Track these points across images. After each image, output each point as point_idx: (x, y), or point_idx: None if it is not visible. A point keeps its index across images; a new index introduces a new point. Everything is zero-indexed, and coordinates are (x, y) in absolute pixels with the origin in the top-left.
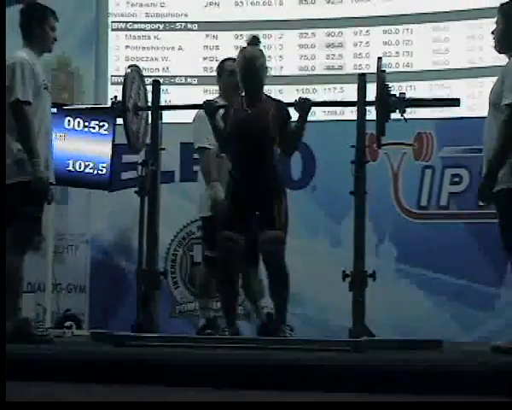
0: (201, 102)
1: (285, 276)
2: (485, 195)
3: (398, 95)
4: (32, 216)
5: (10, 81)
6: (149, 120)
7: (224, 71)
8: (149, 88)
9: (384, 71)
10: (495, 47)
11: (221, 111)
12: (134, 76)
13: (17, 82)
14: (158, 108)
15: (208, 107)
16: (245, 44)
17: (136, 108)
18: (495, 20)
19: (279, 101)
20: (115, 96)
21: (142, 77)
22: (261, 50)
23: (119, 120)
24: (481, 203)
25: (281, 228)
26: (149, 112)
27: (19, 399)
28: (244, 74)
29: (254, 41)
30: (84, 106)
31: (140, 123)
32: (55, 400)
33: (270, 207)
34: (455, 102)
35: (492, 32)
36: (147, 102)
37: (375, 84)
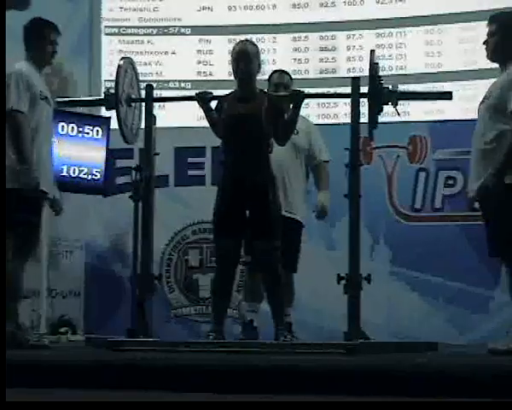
0: (194, 102)
1: (279, 281)
2: (487, 195)
3: (390, 87)
4: (27, 222)
5: (6, 91)
6: (143, 112)
7: (271, 85)
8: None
9: (377, 63)
10: (488, 56)
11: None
12: (127, 68)
13: (12, 92)
14: (151, 113)
15: (200, 96)
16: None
17: (130, 99)
18: (487, 31)
19: (273, 94)
20: (108, 88)
21: (134, 68)
22: (255, 45)
23: (113, 125)
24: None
25: (274, 231)
26: (143, 105)
27: (19, 399)
28: (236, 67)
29: (247, 40)
30: (76, 98)
31: (133, 114)
32: (55, 400)
33: (264, 205)
34: (447, 96)
35: (484, 43)
36: (140, 93)
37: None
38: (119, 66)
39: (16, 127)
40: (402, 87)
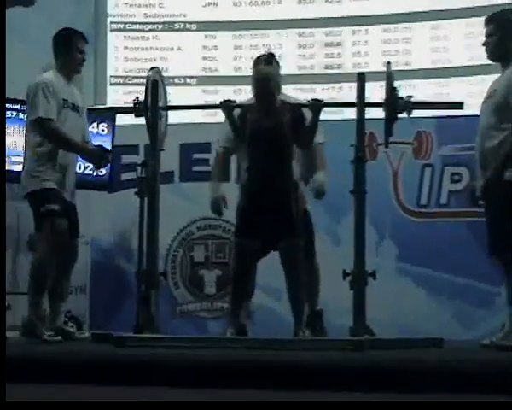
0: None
1: (299, 279)
2: (490, 192)
3: (405, 97)
4: (47, 217)
5: (34, 99)
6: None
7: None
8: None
9: (392, 74)
10: (488, 56)
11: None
12: (155, 77)
13: (40, 101)
14: (157, 108)
15: (224, 106)
16: (259, 58)
17: (159, 108)
18: (485, 31)
19: (294, 104)
20: (137, 97)
21: (162, 78)
22: (275, 69)
23: (118, 122)
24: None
25: (298, 232)
26: (169, 112)
27: (19, 399)
28: (257, 94)
29: (269, 60)
30: (108, 106)
31: (160, 123)
32: (54, 400)
33: (288, 208)
34: (458, 106)
35: (484, 44)
36: (167, 101)
37: (373, 83)
38: (147, 76)
39: (50, 133)
40: (409, 92)
